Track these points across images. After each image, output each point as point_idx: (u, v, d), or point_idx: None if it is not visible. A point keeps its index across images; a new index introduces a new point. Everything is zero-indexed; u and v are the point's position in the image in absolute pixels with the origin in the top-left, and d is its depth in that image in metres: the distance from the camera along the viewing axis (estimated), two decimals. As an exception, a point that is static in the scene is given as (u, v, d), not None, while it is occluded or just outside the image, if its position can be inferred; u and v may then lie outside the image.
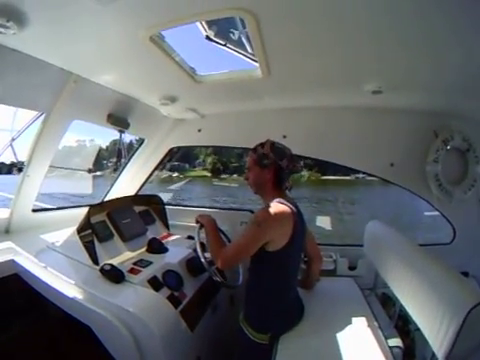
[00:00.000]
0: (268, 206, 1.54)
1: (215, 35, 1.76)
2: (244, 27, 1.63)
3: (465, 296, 1.21)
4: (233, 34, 1.74)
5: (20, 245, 2.04)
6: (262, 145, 1.68)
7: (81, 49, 1.67)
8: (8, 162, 2.30)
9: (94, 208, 2.06)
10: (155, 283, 1.77)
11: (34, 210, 2.44)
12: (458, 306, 1.19)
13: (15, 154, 2.27)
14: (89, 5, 1.20)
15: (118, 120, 2.51)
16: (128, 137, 3.03)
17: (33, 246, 2.06)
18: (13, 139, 2.27)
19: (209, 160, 22.64)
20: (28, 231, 2.33)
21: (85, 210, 1.97)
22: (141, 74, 2.05)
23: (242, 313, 1.72)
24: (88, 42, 1.58)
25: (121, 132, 2.65)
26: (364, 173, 2.86)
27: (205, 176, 21.66)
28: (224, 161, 21.76)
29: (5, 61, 1.64)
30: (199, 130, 3.03)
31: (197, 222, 1.91)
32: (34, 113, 2.13)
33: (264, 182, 1.66)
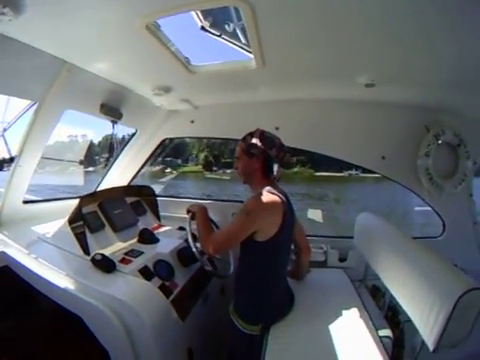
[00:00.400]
0: (258, 195, 1.55)
1: (210, 26, 1.74)
2: (239, 19, 1.63)
3: (455, 284, 1.24)
4: (228, 25, 1.73)
5: (11, 237, 2.02)
6: (251, 134, 1.68)
7: (76, 37, 1.65)
8: None
9: (85, 199, 2.05)
10: (146, 273, 1.77)
11: (25, 202, 2.41)
12: (448, 294, 1.22)
13: (7, 144, 2.26)
14: None
15: (111, 110, 2.48)
16: (121, 132, 3.01)
17: (24, 238, 2.04)
18: (5, 130, 2.26)
19: (202, 155, 22.56)
20: (19, 223, 2.30)
21: (77, 202, 1.96)
22: (135, 63, 2.03)
23: (232, 304, 1.73)
24: (83, 30, 1.56)
25: (114, 123, 2.63)
26: (357, 169, 2.89)
27: (197, 171, 21.61)
28: (217, 155, 21.72)
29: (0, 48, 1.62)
30: (192, 121, 3.02)
31: (188, 212, 1.92)
32: (26, 103, 2.11)
33: (253, 171, 1.66)
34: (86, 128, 3.95)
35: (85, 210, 2.03)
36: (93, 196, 2.25)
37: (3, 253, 1.90)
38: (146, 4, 1.33)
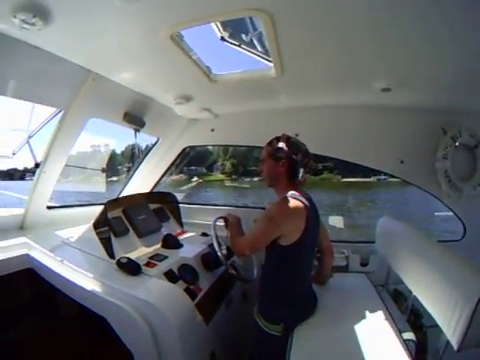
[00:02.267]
0: (281, 201, 1.58)
1: (229, 36, 1.82)
2: (255, 29, 1.73)
3: (477, 282, 1.23)
4: (246, 35, 1.81)
5: (35, 240, 2.07)
6: (278, 139, 1.72)
7: (102, 47, 1.71)
8: (21, 168, 2.34)
9: (110, 204, 2.10)
10: (171, 276, 1.79)
11: (49, 207, 2.47)
12: (470, 292, 1.21)
13: (32, 151, 2.30)
14: (113, 3, 1.23)
15: (134, 119, 2.54)
16: (144, 142, 3.07)
17: (48, 241, 2.09)
18: (30, 137, 2.30)
19: (228, 164, 22.43)
20: (42, 228, 2.35)
21: (99, 208, 2.00)
22: (159, 73, 2.08)
23: (256, 306, 1.75)
24: (109, 40, 1.61)
25: (136, 131, 2.69)
26: (385, 174, 2.89)
27: (223, 180, 21.49)
28: (243, 164, 21.61)
29: (25, 56, 1.67)
30: (212, 130, 3.06)
31: (224, 220, 1.97)
32: (51, 111, 2.15)
33: (278, 175, 1.70)
34: (109, 138, 4.04)
35: (110, 215, 2.08)
36: (117, 201, 2.31)
37: (27, 256, 1.95)
38: (171, 15, 1.38)
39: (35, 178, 2.27)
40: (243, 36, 1.84)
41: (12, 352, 1.93)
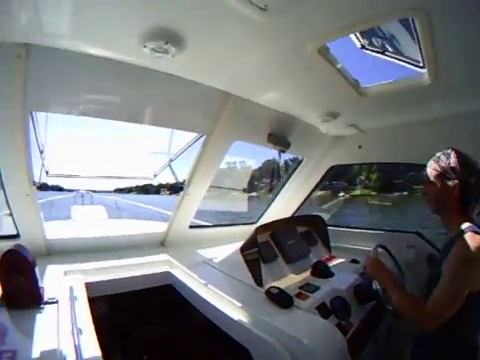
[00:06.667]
0: (475, 238, 1.24)
1: (369, 44, 1.66)
2: (383, 33, 1.61)
3: None
4: (384, 40, 1.65)
5: (176, 258, 2.17)
6: (446, 155, 1.39)
7: (240, 68, 1.70)
8: (156, 184, 2.62)
9: (260, 228, 2.05)
10: (323, 310, 1.64)
11: (191, 226, 2.61)
12: None
13: (174, 173, 2.51)
14: (253, 20, 1.18)
15: (279, 140, 2.52)
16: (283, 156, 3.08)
17: (189, 260, 2.17)
18: (171, 160, 2.52)
19: (373, 177, 20.73)
20: (182, 245, 2.49)
21: (240, 228, 2.05)
22: (304, 90, 2.01)
23: (409, 352, 1.49)
24: (248, 60, 1.59)
25: (282, 152, 2.68)
26: None
27: (366, 195, 19.78)
28: (388, 178, 19.59)
29: (163, 84, 1.76)
30: (359, 146, 2.86)
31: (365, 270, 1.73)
32: (190, 135, 2.28)
33: (448, 200, 1.36)
34: (247, 157, 4.26)
35: (258, 239, 2.02)
36: (265, 225, 2.21)
37: (168, 273, 2.06)
38: (319, 26, 1.30)
39: (178, 200, 2.42)
40: (384, 42, 1.66)
41: (145, 344, 2.12)
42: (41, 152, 2.12)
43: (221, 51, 1.52)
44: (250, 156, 4.08)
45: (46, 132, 2.08)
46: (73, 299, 1.50)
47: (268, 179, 3.50)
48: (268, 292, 1.70)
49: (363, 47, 1.64)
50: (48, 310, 1.37)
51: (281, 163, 3.11)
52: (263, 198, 3.49)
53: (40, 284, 1.46)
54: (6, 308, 1.34)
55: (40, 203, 2.20)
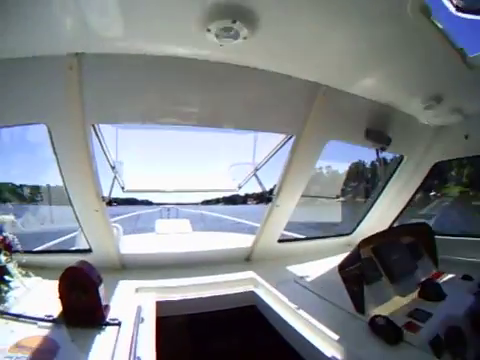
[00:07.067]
0: None
1: (464, 4, 1.30)
2: None
3: None
4: None
5: (262, 275, 2.01)
6: None
7: (328, 51, 1.48)
8: (242, 194, 2.50)
9: (363, 242, 1.73)
10: (437, 345, 1.33)
11: (280, 240, 2.44)
12: None
13: (261, 183, 2.38)
14: None
15: (378, 136, 2.26)
16: (368, 157, 2.79)
17: (277, 278, 1.99)
18: (257, 169, 2.40)
19: (465, 171, 17.95)
20: (270, 261, 2.33)
21: (331, 241, 1.81)
22: (406, 67, 1.69)
23: None
24: (337, 39, 1.37)
25: (382, 150, 2.42)
26: None
27: (462, 192, 17.11)
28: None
29: (243, 82, 1.63)
30: (466, 136, 2.41)
31: None
32: (278, 139, 2.11)
33: None
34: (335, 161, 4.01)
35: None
36: (368, 240, 1.85)
37: (252, 293, 1.92)
38: None
39: (267, 211, 2.27)
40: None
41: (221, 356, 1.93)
42: (113, 167, 2.14)
43: (302, 30, 1.29)
44: (336, 159, 3.83)
45: (119, 148, 2.11)
46: (138, 321, 1.43)
47: (355, 182, 3.19)
48: (373, 322, 1.46)
49: (458, 9, 1.33)
50: (109, 331, 1.31)
51: (377, 164, 2.83)
52: (350, 203, 3.17)
53: (106, 302, 1.43)
54: (66, 325, 1.31)
55: (127, 217, 2.27)
